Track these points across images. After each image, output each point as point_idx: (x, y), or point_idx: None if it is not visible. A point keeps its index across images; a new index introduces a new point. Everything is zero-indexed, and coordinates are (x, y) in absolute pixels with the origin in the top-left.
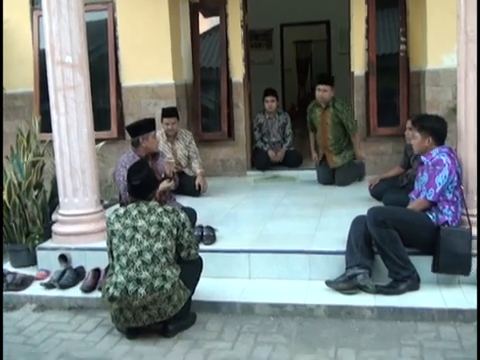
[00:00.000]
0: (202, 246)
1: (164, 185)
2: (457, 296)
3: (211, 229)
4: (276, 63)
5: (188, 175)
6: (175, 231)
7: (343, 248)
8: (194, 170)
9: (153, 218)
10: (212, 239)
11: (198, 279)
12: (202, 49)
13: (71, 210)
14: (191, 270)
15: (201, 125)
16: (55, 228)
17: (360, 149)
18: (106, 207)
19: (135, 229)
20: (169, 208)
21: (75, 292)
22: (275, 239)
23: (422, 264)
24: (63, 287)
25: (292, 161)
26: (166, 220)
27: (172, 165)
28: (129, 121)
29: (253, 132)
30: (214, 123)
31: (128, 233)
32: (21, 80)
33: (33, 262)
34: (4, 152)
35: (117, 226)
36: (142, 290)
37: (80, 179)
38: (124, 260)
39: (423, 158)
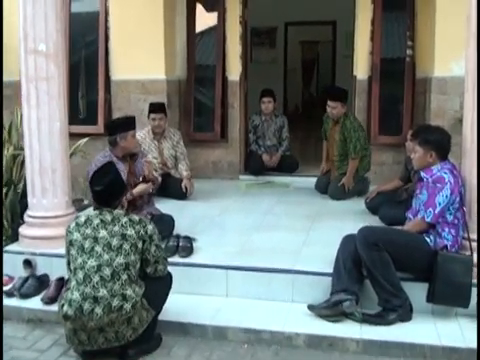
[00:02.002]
0: (177, 259)
1: (140, 188)
2: (453, 332)
3: (189, 239)
4: (279, 63)
5: (174, 177)
6: (140, 244)
7: (330, 269)
8: (180, 172)
9: (116, 229)
10: (188, 251)
11: (166, 298)
12: (198, 44)
13: (39, 212)
14: (158, 288)
15: (193, 124)
16: (22, 230)
17: (350, 178)
18: (85, 208)
19: (95, 240)
20: (136, 218)
21: (36, 303)
22: (258, 254)
23: (416, 292)
24: (23, 296)
25: (287, 166)
26: (130, 232)
27: (151, 165)
28: (117, 116)
29: (248, 134)
30: (207, 123)
31: (87, 244)
32: (9, 68)
33: None
34: None
35: (76, 236)
36: (99, 310)
37: (50, 179)
38: (81, 275)
39: (423, 174)
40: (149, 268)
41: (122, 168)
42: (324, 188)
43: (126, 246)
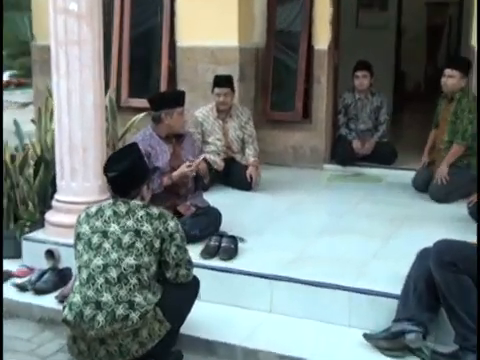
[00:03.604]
0: (216, 262)
1: (181, 170)
2: None
3: (234, 240)
4: (391, 29)
5: (240, 163)
6: (158, 244)
7: (400, 289)
8: (247, 158)
9: (130, 223)
10: (231, 254)
11: (188, 310)
12: (280, 6)
13: (67, 196)
14: (178, 297)
15: (271, 101)
16: (48, 216)
17: (444, 167)
18: None
19: (105, 235)
20: (155, 212)
21: (50, 301)
22: (315, 263)
23: None
24: (38, 292)
25: (383, 156)
26: (146, 228)
27: (202, 165)
28: (182, 88)
29: (337, 115)
30: (287, 100)
31: (95, 239)
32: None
33: (20, 254)
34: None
35: (84, 228)
36: (101, 317)
37: (80, 158)
38: (85, 274)
39: None
40: (169, 272)
41: (165, 149)
42: (424, 185)
43: (139, 245)
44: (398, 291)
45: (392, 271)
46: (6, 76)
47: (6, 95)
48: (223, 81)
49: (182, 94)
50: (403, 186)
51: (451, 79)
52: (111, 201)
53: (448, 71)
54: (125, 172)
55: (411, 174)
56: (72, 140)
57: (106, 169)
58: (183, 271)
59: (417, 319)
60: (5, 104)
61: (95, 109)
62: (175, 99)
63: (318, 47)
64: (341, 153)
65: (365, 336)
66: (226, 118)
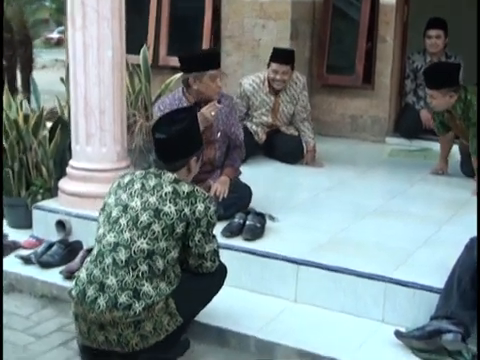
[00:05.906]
0: (239, 241)
1: (201, 113)
2: None
3: (261, 217)
4: None
5: (285, 134)
6: (180, 228)
7: (443, 283)
8: (304, 139)
9: (152, 200)
10: (256, 233)
11: (204, 304)
12: None
13: (81, 162)
14: (198, 288)
15: (327, 63)
16: (61, 184)
17: None
18: None
19: (124, 210)
20: (184, 189)
21: (54, 276)
22: (352, 248)
23: None
24: (43, 265)
25: None
26: (169, 208)
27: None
28: (227, 47)
29: (404, 80)
30: (346, 62)
31: (115, 213)
32: None
33: (31, 224)
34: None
35: (111, 199)
36: (102, 301)
37: (96, 121)
38: (96, 250)
39: None
40: (191, 260)
41: None
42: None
43: (156, 227)
44: (441, 285)
45: (440, 261)
46: (56, 32)
47: (54, 53)
48: (283, 57)
49: (214, 55)
50: None
51: (434, 100)
52: (143, 172)
53: (428, 91)
54: (176, 136)
55: None
56: (87, 101)
57: (155, 129)
58: (207, 263)
59: (457, 318)
60: (49, 63)
61: (115, 66)
62: (206, 61)
63: (384, 0)
64: (407, 124)
65: (397, 334)
66: (279, 92)
